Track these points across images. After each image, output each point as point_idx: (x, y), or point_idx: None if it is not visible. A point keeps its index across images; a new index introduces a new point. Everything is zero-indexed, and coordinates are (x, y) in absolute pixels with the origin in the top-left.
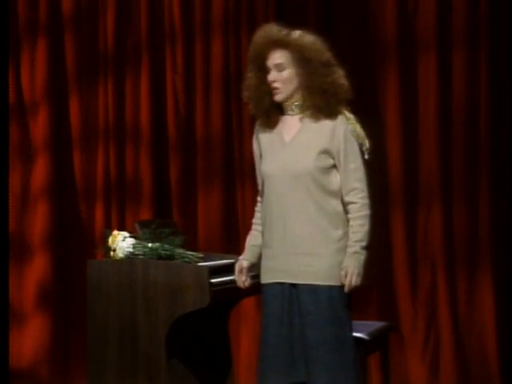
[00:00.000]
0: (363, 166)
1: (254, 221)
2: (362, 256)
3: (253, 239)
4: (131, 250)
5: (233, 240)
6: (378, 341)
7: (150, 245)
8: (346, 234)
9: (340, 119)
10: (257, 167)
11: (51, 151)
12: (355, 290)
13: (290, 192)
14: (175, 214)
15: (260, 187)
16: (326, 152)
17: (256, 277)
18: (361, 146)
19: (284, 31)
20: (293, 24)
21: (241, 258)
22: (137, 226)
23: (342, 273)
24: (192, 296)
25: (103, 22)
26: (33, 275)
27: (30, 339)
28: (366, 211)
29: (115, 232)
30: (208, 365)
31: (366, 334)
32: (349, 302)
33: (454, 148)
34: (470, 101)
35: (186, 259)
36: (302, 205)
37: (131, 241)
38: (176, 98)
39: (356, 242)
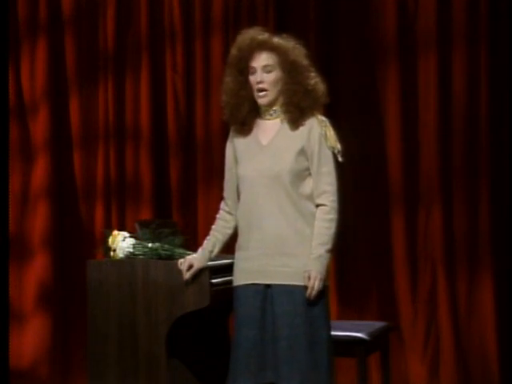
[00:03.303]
0: (335, 170)
1: (213, 227)
2: (326, 260)
3: (210, 244)
4: (131, 250)
5: (233, 240)
6: (378, 341)
7: (149, 245)
8: None
9: (315, 122)
10: (226, 173)
11: (51, 151)
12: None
13: (267, 193)
14: (175, 214)
15: (225, 194)
16: (303, 152)
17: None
18: (332, 149)
19: (266, 35)
20: (293, 24)
21: (194, 256)
22: (137, 225)
23: (305, 275)
24: (192, 296)
25: (103, 22)
26: (33, 275)
27: (30, 339)
28: (334, 215)
29: (115, 232)
30: (208, 365)
31: (366, 334)
32: (326, 301)
33: (453, 148)
34: (469, 101)
35: None
36: (279, 205)
37: (131, 241)
38: (176, 98)
39: (320, 244)
